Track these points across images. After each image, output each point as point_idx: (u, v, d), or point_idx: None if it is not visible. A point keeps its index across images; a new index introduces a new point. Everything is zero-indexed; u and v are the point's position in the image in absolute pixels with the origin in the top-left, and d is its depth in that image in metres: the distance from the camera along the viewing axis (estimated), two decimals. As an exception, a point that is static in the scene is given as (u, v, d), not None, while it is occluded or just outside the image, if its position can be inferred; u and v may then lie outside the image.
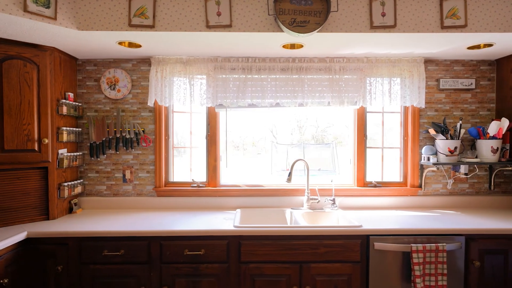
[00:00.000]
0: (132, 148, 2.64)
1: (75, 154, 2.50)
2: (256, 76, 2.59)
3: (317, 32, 1.99)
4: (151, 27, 1.98)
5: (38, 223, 2.19)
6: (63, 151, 2.40)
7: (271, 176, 2.86)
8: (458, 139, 2.54)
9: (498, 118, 2.63)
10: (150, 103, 2.52)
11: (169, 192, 2.66)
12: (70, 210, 2.52)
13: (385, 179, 2.81)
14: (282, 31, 1.99)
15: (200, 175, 2.78)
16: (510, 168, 2.66)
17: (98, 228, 2.05)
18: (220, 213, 2.47)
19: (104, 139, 2.61)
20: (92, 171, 2.66)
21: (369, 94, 2.60)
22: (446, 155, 2.52)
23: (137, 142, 2.64)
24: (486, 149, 2.51)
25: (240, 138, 2.98)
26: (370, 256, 2.04)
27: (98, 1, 1.98)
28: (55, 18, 1.87)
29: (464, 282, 2.07)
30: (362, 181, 2.76)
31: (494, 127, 2.47)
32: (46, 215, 2.29)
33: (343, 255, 2.04)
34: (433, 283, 1.98)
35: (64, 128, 2.38)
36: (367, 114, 2.79)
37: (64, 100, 2.38)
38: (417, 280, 1.96)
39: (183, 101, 2.58)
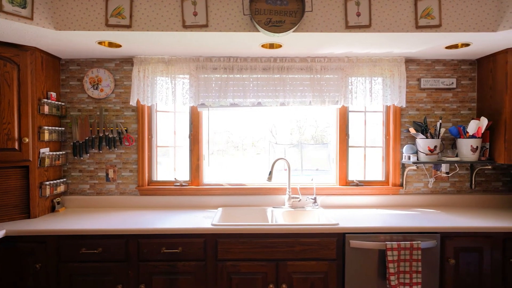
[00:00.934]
0: (115, 147, 2.65)
1: (58, 153, 2.52)
2: (238, 75, 2.61)
3: (293, 32, 2.00)
4: (128, 27, 1.99)
5: (18, 222, 2.20)
6: (45, 150, 2.41)
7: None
8: (438, 138, 2.55)
9: (479, 117, 2.65)
10: (133, 103, 2.54)
11: (152, 191, 2.67)
12: (53, 209, 2.53)
13: (368, 178, 2.82)
14: (258, 31, 2.00)
15: (184, 174, 2.80)
16: (490, 167, 2.68)
17: (78, 226, 2.07)
18: (202, 212, 2.49)
19: (87, 138, 2.62)
20: (76, 170, 2.68)
21: (350, 94, 2.62)
22: (426, 154, 2.54)
23: (120, 141, 2.65)
24: (466, 148, 2.53)
25: (240, 139, 2.99)
26: (346, 254, 2.06)
27: (75, 1, 1.99)
28: (31, 18, 1.88)
29: (440, 279, 2.09)
30: (345, 180, 2.77)
31: (473, 126, 2.49)
32: (27, 214, 2.31)
33: (319, 253, 2.06)
34: (407, 281, 2.00)
35: (46, 127, 2.40)
36: (350, 113, 2.80)
37: (45, 100, 2.39)
38: (392, 277, 1.97)
39: (165, 101, 2.59)
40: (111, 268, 2.04)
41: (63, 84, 2.66)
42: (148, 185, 2.73)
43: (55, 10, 1.98)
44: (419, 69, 2.70)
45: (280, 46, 2.28)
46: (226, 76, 2.59)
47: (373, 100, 2.63)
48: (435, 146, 2.52)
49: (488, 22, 2.03)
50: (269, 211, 2.58)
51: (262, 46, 2.28)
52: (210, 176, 2.88)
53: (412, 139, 2.71)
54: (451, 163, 2.54)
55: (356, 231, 2.06)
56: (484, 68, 2.61)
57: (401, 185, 2.73)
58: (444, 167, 2.70)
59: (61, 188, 2.57)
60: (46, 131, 2.39)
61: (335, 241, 2.06)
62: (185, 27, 2.00)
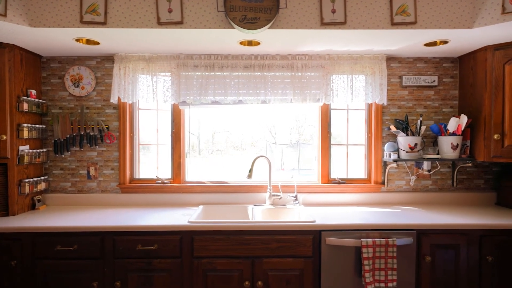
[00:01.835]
0: (96, 145, 2.65)
1: (38, 151, 2.52)
2: (219, 73, 2.60)
3: (268, 28, 2.00)
4: (103, 23, 1.99)
5: (-5, 219, 2.20)
6: (24, 148, 2.41)
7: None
8: (419, 135, 2.55)
9: (461, 115, 2.64)
10: (113, 100, 2.54)
11: (133, 188, 2.67)
12: (33, 207, 2.53)
13: (351, 176, 2.82)
14: (233, 28, 2.00)
15: (166, 172, 2.79)
16: (471, 165, 2.68)
17: (55, 223, 2.07)
18: (182, 210, 2.49)
19: (68, 136, 2.62)
20: (57, 168, 2.67)
21: (331, 91, 2.62)
22: (407, 152, 2.53)
23: (101, 139, 2.65)
24: (447, 146, 2.53)
25: (239, 139, 3.00)
26: (322, 251, 2.06)
27: (50, -2, 1.99)
28: (5, 15, 1.88)
29: (416, 276, 2.09)
30: (327, 178, 2.77)
31: (453, 124, 2.49)
32: (5, 211, 2.31)
33: (295, 250, 2.06)
34: (383, 278, 2.00)
35: (25, 124, 2.40)
36: (332, 111, 2.80)
37: (25, 97, 2.39)
38: (367, 274, 1.97)
39: (146, 98, 2.59)
40: (86, 265, 2.04)
41: (44, 81, 2.65)
42: (129, 183, 2.72)
43: (29, 7, 1.98)
44: (401, 67, 2.70)
45: (259, 43, 2.28)
46: (207, 73, 2.59)
47: (354, 98, 2.63)
48: (416, 144, 2.52)
49: (464, 19, 2.03)
50: (250, 208, 2.58)
51: (241, 43, 2.28)
52: (198, 174, 2.87)
53: (394, 137, 2.71)
54: (431, 160, 2.54)
55: (331, 228, 2.06)
56: (465, 65, 2.61)
57: (383, 182, 2.73)
58: (425, 165, 2.70)
59: (42, 186, 2.57)
60: (25, 129, 2.39)
61: (311, 238, 2.06)
62: (160, 24, 1.99)
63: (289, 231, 2.06)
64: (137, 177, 2.78)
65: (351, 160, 2.85)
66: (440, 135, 2.57)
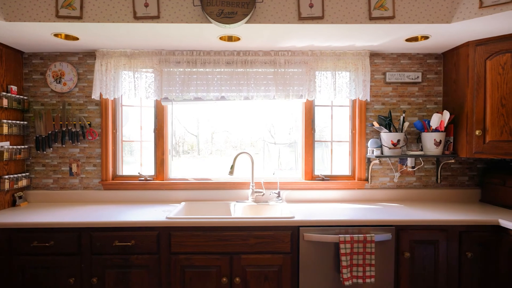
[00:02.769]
0: (78, 142, 2.64)
1: (19, 147, 2.50)
2: (201, 69, 2.59)
3: (245, 23, 1.99)
4: (79, 18, 1.98)
5: (-27, 215, 2.19)
6: (4, 144, 2.40)
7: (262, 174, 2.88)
8: (402, 132, 2.54)
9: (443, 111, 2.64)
10: (95, 96, 2.52)
11: (116, 185, 2.66)
12: (14, 203, 2.52)
13: (335, 173, 2.81)
14: (210, 22, 1.99)
15: (150, 169, 2.78)
16: (454, 161, 2.67)
17: (32, 220, 2.05)
18: (164, 206, 2.47)
19: (50, 132, 2.61)
20: (39, 165, 2.66)
21: (313, 88, 2.61)
22: (390, 148, 2.52)
23: (83, 135, 2.64)
24: (430, 142, 2.52)
25: (238, 139, 3.00)
26: (301, 247, 2.05)
27: (26, -7, 1.98)
28: (-21, 9, 1.87)
29: (395, 272, 2.08)
30: (310, 175, 2.76)
31: (435, 120, 2.48)
32: (-16, 208, 2.29)
33: (274, 246, 2.04)
34: (360, 274, 1.99)
35: (5, 121, 2.38)
36: (316, 107, 2.79)
37: (4, 93, 2.38)
38: (344, 270, 1.96)
39: (128, 95, 2.58)
40: (63, 262, 2.03)
41: (26, 78, 2.64)
42: (112, 179, 2.71)
43: (5, 1, 1.97)
44: (385, 63, 2.69)
45: (239, 39, 2.27)
46: (189, 69, 2.57)
47: (337, 94, 2.62)
48: (398, 140, 2.51)
49: (442, 14, 2.02)
50: (232, 205, 2.57)
51: (220, 38, 2.27)
52: (194, 172, 2.86)
53: (378, 134, 2.70)
54: (414, 157, 2.53)
55: (310, 224, 2.05)
56: (449, 61, 2.61)
57: (367, 179, 2.72)
58: (409, 161, 2.69)
59: (23, 183, 2.56)
60: (5, 125, 2.38)
61: (290, 234, 2.05)
62: (136, 18, 1.98)
63: (267, 227, 2.05)
64: (120, 173, 2.77)
65: (336, 156, 2.84)
66: (424, 132, 2.56)
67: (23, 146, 2.55)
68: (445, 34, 2.21)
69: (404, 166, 2.71)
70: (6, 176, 2.40)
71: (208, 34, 2.18)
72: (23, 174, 2.56)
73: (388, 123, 2.57)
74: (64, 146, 2.64)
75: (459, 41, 2.36)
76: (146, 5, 1.97)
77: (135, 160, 2.83)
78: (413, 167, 2.70)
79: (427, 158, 2.70)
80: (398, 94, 2.71)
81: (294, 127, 3.02)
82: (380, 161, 2.69)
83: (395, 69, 2.69)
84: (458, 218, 2.09)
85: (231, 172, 2.49)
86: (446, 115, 2.46)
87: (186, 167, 2.95)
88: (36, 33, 2.17)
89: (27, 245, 2.02)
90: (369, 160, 2.72)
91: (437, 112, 2.65)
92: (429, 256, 2.08)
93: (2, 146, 2.37)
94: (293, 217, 2.07)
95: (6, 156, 2.38)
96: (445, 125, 2.48)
